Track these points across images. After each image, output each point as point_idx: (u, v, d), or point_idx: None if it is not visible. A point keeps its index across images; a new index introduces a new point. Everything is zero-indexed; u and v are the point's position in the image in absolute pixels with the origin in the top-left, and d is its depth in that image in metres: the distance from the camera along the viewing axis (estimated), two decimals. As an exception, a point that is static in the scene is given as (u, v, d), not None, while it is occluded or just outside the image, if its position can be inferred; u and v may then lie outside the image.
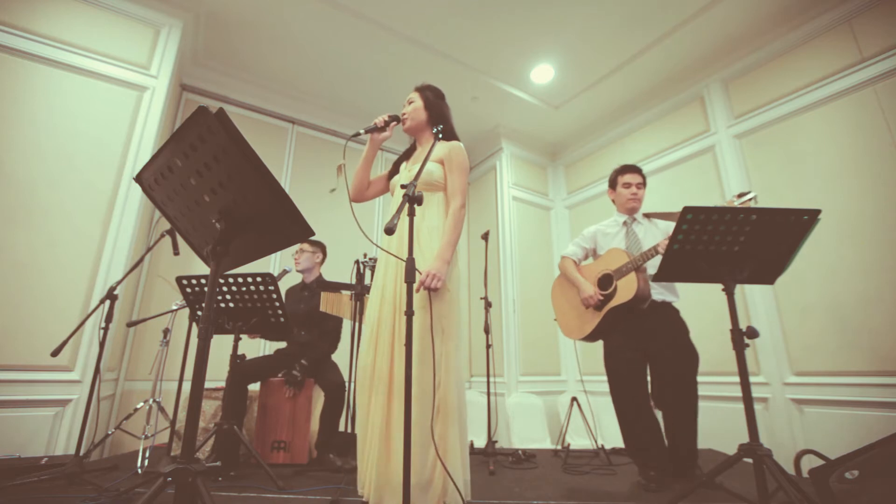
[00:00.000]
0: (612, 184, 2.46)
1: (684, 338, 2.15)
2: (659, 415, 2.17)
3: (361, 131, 1.73)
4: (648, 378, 2.20)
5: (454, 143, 1.78)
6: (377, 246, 1.68)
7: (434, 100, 1.89)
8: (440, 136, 1.74)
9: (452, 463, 1.47)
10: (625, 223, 2.39)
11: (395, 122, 1.82)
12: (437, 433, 1.46)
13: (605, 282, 2.24)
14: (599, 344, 2.34)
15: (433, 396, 1.48)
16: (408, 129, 1.89)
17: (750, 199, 1.75)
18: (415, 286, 1.38)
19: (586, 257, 2.48)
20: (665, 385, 2.12)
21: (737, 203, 1.80)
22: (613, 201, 2.48)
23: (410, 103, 1.89)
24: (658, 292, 2.19)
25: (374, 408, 1.56)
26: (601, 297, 2.21)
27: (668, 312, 2.21)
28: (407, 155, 1.95)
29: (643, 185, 2.40)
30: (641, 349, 2.17)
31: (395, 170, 1.94)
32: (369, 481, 1.51)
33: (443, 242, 1.61)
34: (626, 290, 2.13)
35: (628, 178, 2.39)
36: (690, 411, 2.07)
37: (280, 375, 2.59)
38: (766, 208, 1.50)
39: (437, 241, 1.65)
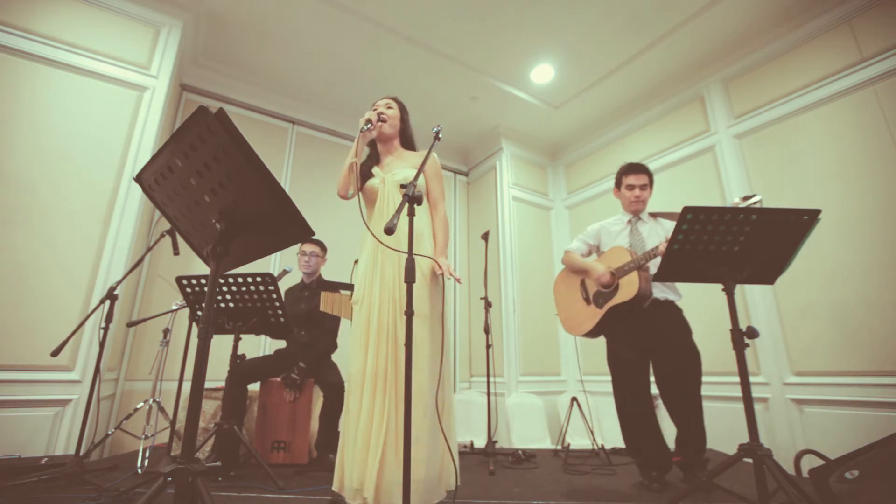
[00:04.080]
0: (618, 183, 2.44)
1: (685, 337, 2.14)
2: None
3: (365, 127, 1.76)
4: (652, 378, 2.19)
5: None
6: (386, 245, 1.64)
7: (405, 115, 2.01)
8: (437, 139, 1.73)
9: (454, 451, 1.65)
10: (629, 221, 2.39)
11: (380, 123, 1.87)
12: (444, 425, 1.58)
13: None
14: (600, 343, 2.34)
15: (445, 388, 1.66)
16: (382, 133, 1.92)
17: (755, 202, 1.73)
18: (445, 273, 1.60)
19: (589, 253, 2.48)
20: (666, 384, 2.12)
21: (742, 206, 1.78)
22: (620, 200, 2.46)
23: (389, 108, 1.95)
24: (660, 291, 2.19)
25: (375, 408, 1.57)
26: (612, 273, 2.20)
27: (671, 311, 2.20)
28: (375, 160, 1.98)
29: (648, 186, 2.37)
30: (643, 348, 2.16)
31: (367, 173, 1.95)
32: (371, 483, 1.49)
33: (440, 244, 1.82)
34: (627, 288, 2.13)
35: (632, 179, 2.36)
36: (693, 410, 2.05)
37: (279, 379, 2.59)
38: (766, 208, 1.50)
39: (426, 241, 1.78)
